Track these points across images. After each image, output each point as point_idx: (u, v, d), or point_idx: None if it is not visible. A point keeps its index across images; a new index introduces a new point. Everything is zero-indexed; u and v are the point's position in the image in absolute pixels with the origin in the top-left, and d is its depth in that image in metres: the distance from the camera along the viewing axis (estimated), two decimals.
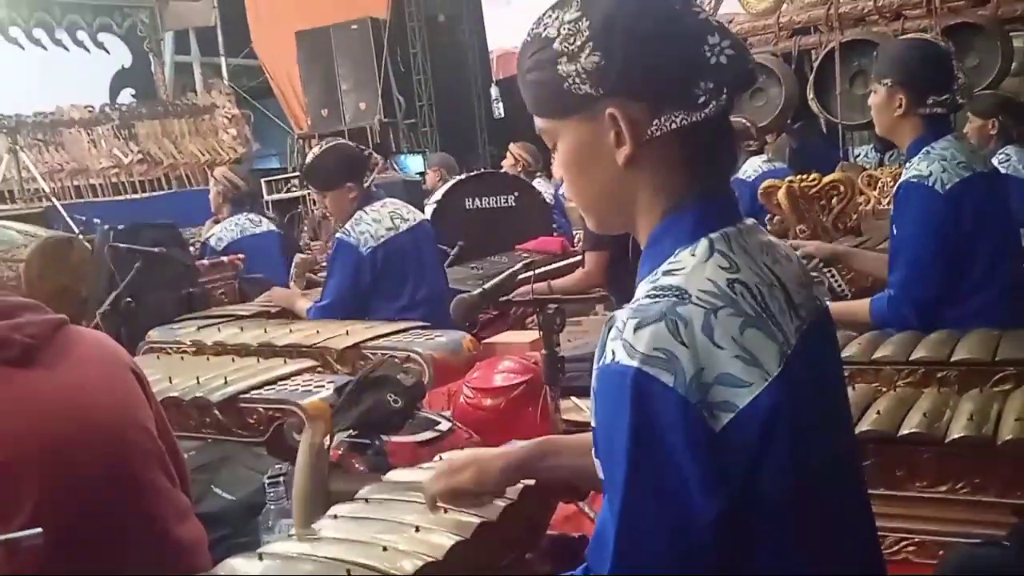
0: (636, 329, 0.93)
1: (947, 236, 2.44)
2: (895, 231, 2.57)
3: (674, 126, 0.99)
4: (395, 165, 10.57)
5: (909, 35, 5.44)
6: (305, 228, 7.43)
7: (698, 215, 1.03)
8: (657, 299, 0.95)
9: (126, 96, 9.70)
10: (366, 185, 3.51)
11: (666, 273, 0.99)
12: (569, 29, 1.00)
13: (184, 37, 11.50)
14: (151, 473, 1.59)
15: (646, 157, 1.02)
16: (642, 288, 1.01)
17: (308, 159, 3.70)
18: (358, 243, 3.40)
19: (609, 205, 1.09)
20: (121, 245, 3.47)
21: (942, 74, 2.55)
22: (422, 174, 11.68)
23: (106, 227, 3.82)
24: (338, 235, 3.50)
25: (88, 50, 9.17)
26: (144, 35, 9.31)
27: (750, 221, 1.10)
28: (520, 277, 1.97)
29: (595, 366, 0.97)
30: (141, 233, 3.72)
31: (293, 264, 4.46)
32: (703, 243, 1.01)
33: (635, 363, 0.91)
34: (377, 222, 3.46)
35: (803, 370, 0.99)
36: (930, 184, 2.43)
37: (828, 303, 2.74)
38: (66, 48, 9.09)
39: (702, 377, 0.91)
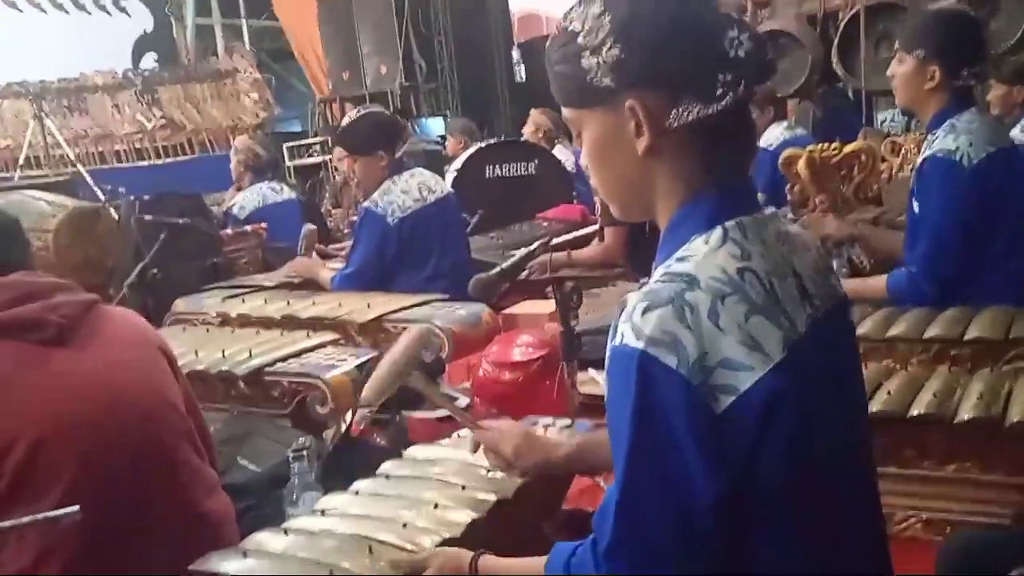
0: (644, 312, 0.97)
1: (970, 212, 2.43)
2: (916, 206, 2.55)
3: (692, 117, 1.02)
4: (415, 128, 10.57)
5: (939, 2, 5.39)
6: (327, 194, 7.45)
7: (715, 203, 1.07)
8: (667, 284, 0.99)
9: (148, 61, 9.72)
10: (397, 155, 3.52)
11: (679, 259, 1.03)
12: (593, 24, 1.04)
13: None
14: (181, 449, 1.65)
15: (665, 147, 1.05)
16: (656, 273, 1.05)
17: (344, 122, 3.73)
18: (385, 213, 3.42)
19: (630, 193, 1.14)
20: (147, 217, 3.51)
21: (977, 45, 2.55)
22: (443, 138, 11.68)
23: (131, 198, 3.88)
24: (366, 204, 3.53)
25: (110, 14, 9.18)
26: None
27: (769, 211, 1.15)
28: (538, 255, 1.99)
29: (608, 346, 1.02)
30: (166, 204, 3.78)
31: (301, 236, 4.50)
32: (717, 231, 1.04)
33: (641, 345, 0.95)
34: (405, 192, 3.48)
35: (811, 357, 1.02)
36: (957, 159, 2.42)
37: (846, 280, 2.80)
38: (88, 12, 9.10)
39: (705, 360, 0.94)
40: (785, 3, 5.85)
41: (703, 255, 1.02)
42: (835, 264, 3.18)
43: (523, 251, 1.96)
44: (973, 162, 2.41)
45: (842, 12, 5.53)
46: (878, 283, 2.61)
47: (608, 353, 1.01)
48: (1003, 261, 2.48)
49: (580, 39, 1.05)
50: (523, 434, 1.48)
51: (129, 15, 9.37)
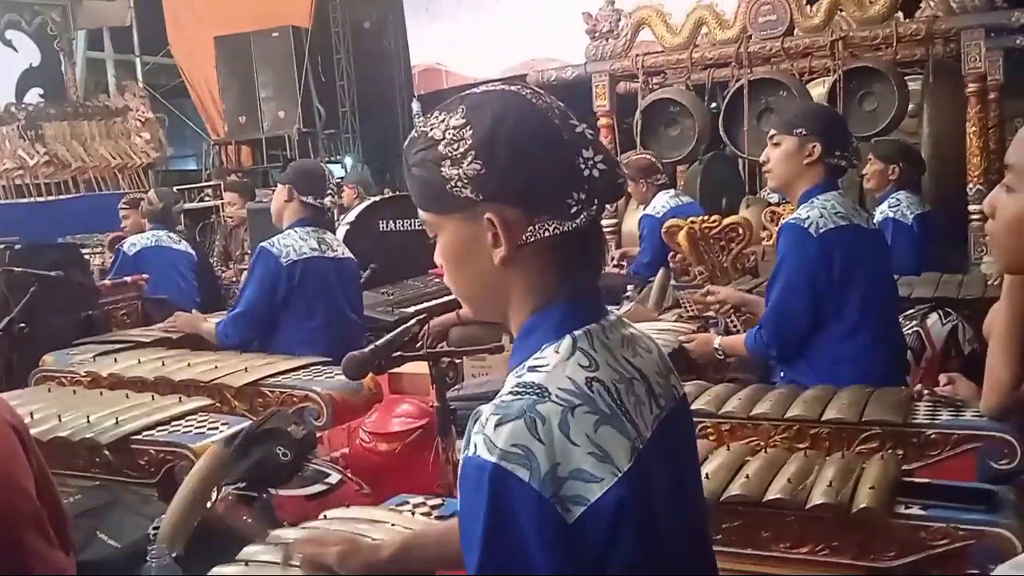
0: (497, 425, 0.97)
1: (815, 278, 2.65)
2: (775, 269, 2.77)
3: (547, 233, 1.05)
4: None
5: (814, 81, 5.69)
6: (217, 240, 7.31)
7: (564, 313, 1.10)
8: (519, 396, 1.00)
9: (33, 96, 9.36)
10: (304, 200, 3.48)
11: (531, 369, 1.05)
12: (454, 135, 1.06)
13: (98, 33, 11.21)
14: (27, 536, 1.57)
15: (520, 259, 1.07)
16: (509, 381, 1.06)
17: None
18: (280, 253, 3.38)
19: (483, 297, 1.15)
20: (16, 269, 3.37)
21: (846, 132, 2.83)
22: (340, 179, 11.62)
23: (2, 247, 3.73)
24: (262, 244, 3.49)
25: None
26: (55, 34, 9.00)
27: (614, 315, 1.17)
28: (413, 332, 2.00)
29: (461, 455, 1.03)
30: (39, 254, 3.65)
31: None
32: (567, 340, 1.07)
33: (494, 458, 0.96)
34: (303, 240, 3.45)
35: (656, 458, 1.06)
36: (805, 226, 2.65)
37: (723, 337, 2.94)
38: None
39: (557, 472, 0.96)
40: (675, 73, 6.06)
41: (553, 365, 1.04)
42: (712, 330, 3.33)
43: (398, 329, 1.96)
44: (820, 231, 2.64)
45: (729, 82, 5.77)
46: (741, 339, 2.84)
47: (460, 464, 1.01)
48: (859, 330, 2.68)
49: (441, 147, 1.06)
50: (345, 539, 1.46)
51: (16, 50, 9.03)
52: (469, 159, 1.04)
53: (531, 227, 1.05)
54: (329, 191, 3.55)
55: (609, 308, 1.19)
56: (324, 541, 1.44)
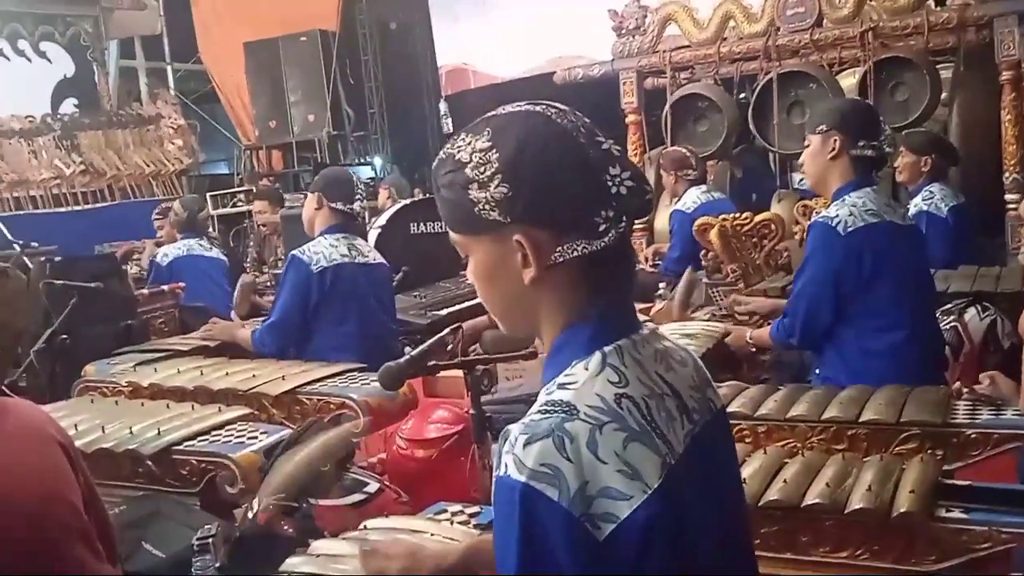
0: (526, 444, 0.99)
1: (841, 276, 2.66)
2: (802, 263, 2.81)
3: (576, 253, 1.06)
4: None
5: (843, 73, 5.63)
6: (251, 245, 7.38)
7: (595, 329, 1.10)
8: (547, 415, 1.02)
9: (68, 106, 9.51)
10: (334, 206, 3.51)
11: (560, 386, 1.06)
12: (480, 158, 1.07)
13: (130, 42, 11.36)
14: (76, 551, 1.60)
15: (550, 278, 1.08)
16: (540, 398, 1.08)
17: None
18: (310, 261, 3.42)
19: (515, 315, 1.17)
20: (56, 282, 3.43)
21: (872, 122, 2.79)
22: (371, 180, 11.69)
23: (42, 259, 3.80)
24: (293, 252, 3.53)
25: (30, 60, 8.97)
26: (87, 44, 9.11)
27: (647, 329, 1.17)
28: (448, 342, 2.01)
29: (492, 475, 1.04)
30: (78, 266, 3.71)
31: (237, 286, 4.48)
32: (596, 356, 1.08)
33: (523, 478, 0.97)
34: (333, 247, 3.49)
35: (689, 472, 1.06)
36: (833, 225, 2.67)
37: (753, 330, 2.95)
38: (7, 58, 8.89)
39: (586, 490, 0.97)
40: (703, 68, 6.02)
41: (583, 382, 1.05)
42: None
43: (433, 339, 1.98)
44: (849, 229, 2.65)
45: (758, 75, 5.73)
46: (766, 332, 2.90)
47: (494, 482, 1.03)
48: (891, 326, 2.68)
49: (468, 171, 1.08)
50: (407, 553, 1.48)
51: (50, 61, 9.18)
52: (496, 182, 1.06)
53: (560, 247, 1.06)
54: (358, 195, 3.57)
55: (642, 318, 1.19)
56: (388, 554, 1.46)
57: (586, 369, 1.06)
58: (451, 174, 1.10)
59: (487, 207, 1.07)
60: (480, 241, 1.11)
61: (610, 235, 1.06)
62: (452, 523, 1.76)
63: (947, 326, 3.19)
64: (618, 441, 1.00)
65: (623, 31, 5.97)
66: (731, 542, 1.20)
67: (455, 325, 2.03)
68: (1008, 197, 4.86)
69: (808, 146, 2.79)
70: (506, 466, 1.00)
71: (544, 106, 1.11)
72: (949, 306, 3.32)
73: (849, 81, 5.74)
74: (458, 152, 1.10)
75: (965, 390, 2.21)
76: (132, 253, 6.44)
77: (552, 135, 1.07)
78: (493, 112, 1.12)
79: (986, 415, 2.06)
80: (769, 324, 3.35)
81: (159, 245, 5.65)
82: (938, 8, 5.31)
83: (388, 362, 1.94)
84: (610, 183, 1.06)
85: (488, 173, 1.06)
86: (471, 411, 2.05)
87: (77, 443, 1.99)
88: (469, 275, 1.17)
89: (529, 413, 1.05)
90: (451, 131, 11.64)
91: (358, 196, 3.58)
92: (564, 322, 1.11)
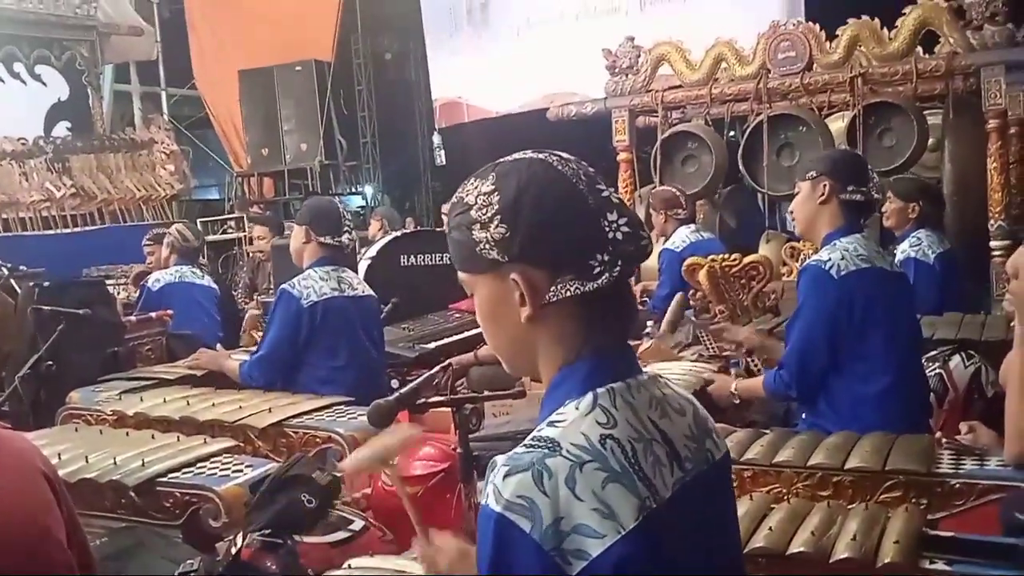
0: (505, 476, 1.02)
1: (836, 320, 2.68)
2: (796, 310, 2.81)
3: (569, 293, 1.10)
4: None
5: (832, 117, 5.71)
6: (243, 272, 7.38)
7: (589, 370, 1.13)
8: (531, 449, 1.05)
9: (61, 129, 9.49)
10: (322, 240, 3.52)
11: (550, 424, 1.09)
12: (484, 200, 1.13)
13: (125, 66, 11.39)
14: None
15: (545, 317, 1.12)
16: (530, 435, 1.09)
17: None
18: (300, 295, 3.42)
19: (515, 352, 1.20)
20: (44, 307, 3.43)
21: (861, 168, 2.86)
22: (362, 208, 11.71)
23: (31, 283, 3.79)
24: (283, 285, 3.53)
25: (24, 82, 8.98)
26: (83, 68, 9.12)
27: (646, 375, 1.19)
28: (437, 380, 2.01)
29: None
30: (66, 291, 3.70)
31: (244, 319, 4.47)
32: (588, 397, 1.10)
33: (499, 508, 1.01)
34: (323, 280, 3.49)
35: (674, 519, 1.08)
36: (826, 268, 2.69)
37: (741, 380, 2.96)
38: (2, 80, 8.89)
39: (560, 526, 1.00)
40: (694, 108, 6.09)
41: (571, 421, 1.08)
42: (732, 370, 3.34)
43: (423, 376, 1.98)
44: (842, 273, 2.67)
45: (749, 116, 5.80)
46: (759, 381, 2.87)
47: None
48: (880, 371, 2.69)
49: (472, 212, 1.13)
50: (458, 552, 1.47)
51: (45, 84, 9.19)
52: (496, 223, 1.11)
53: (554, 287, 1.10)
54: (346, 227, 3.57)
55: (644, 370, 1.20)
56: (440, 549, 1.48)
57: (576, 408, 1.09)
58: (459, 216, 1.16)
59: (487, 246, 1.12)
60: (483, 280, 1.16)
61: (604, 278, 1.09)
62: None
63: (932, 373, 3.21)
64: (597, 480, 1.03)
65: (617, 70, 6.05)
66: None
67: (445, 363, 2.04)
68: (993, 244, 4.92)
69: (798, 193, 2.83)
70: (487, 496, 1.03)
71: (547, 154, 1.16)
72: (934, 353, 3.35)
73: (838, 125, 5.82)
74: (466, 196, 1.16)
75: (945, 440, 2.22)
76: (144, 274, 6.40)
77: (551, 180, 1.12)
78: (502, 159, 1.17)
79: (970, 465, 2.07)
80: (755, 362, 3.39)
81: (149, 271, 5.64)
82: (926, 56, 5.40)
83: (377, 399, 1.94)
84: (607, 228, 1.11)
85: (489, 214, 1.12)
86: (459, 449, 2.05)
87: (60, 472, 1.98)
88: (477, 313, 1.21)
89: (517, 447, 1.07)
90: (443, 163, 11.73)
91: (346, 228, 3.58)
92: (561, 362, 1.15)
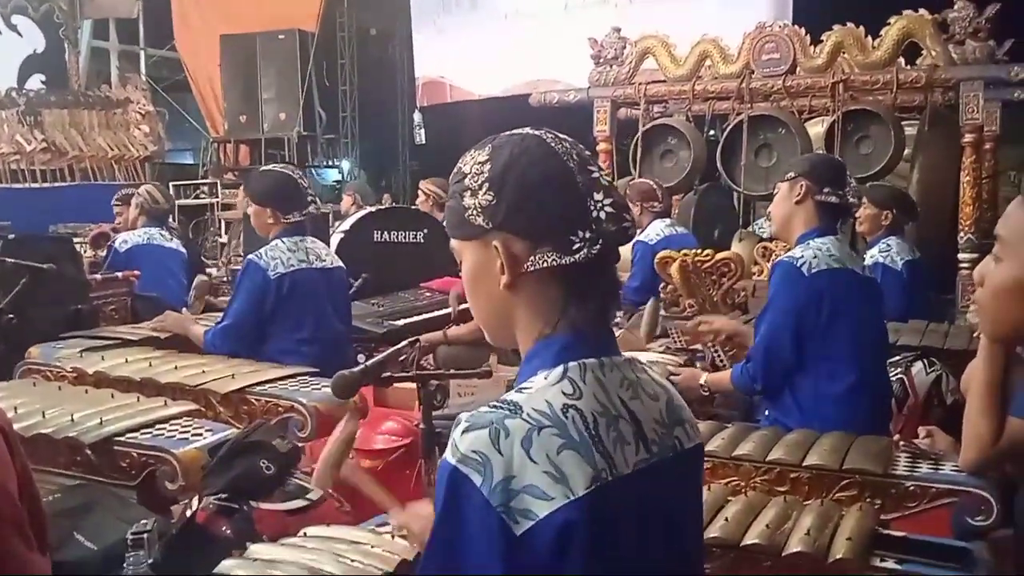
0: (464, 431, 1.06)
1: (804, 316, 2.71)
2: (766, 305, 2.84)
3: (546, 265, 1.13)
4: (313, 174, 10.49)
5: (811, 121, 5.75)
6: (214, 237, 7.31)
7: (564, 344, 1.15)
8: (493, 409, 1.08)
9: (35, 82, 9.35)
10: (288, 219, 3.47)
11: (517, 390, 1.12)
12: (477, 169, 1.17)
13: (104, 23, 11.20)
14: (7, 540, 1.57)
15: (523, 287, 1.16)
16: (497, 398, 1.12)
17: (258, 170, 3.72)
18: (267, 267, 3.37)
19: (495, 320, 1.22)
20: (8, 260, 3.36)
21: (839, 172, 2.88)
22: (338, 183, 11.63)
23: None
24: (250, 256, 3.48)
25: (0, 32, 8.84)
26: (61, 21, 9.00)
27: (623, 358, 1.20)
28: (404, 355, 2.01)
29: None
30: (32, 245, 3.64)
31: (193, 286, 4.43)
32: (559, 369, 1.13)
33: (454, 461, 1.04)
34: (291, 252, 3.43)
35: (629, 497, 1.10)
36: (797, 265, 2.72)
37: (709, 374, 2.98)
38: None
39: (510, 484, 1.03)
40: (676, 103, 6.11)
41: (536, 389, 1.11)
42: (699, 364, 3.36)
43: (390, 350, 1.97)
44: (813, 271, 2.70)
45: (730, 115, 5.83)
46: (727, 374, 2.90)
47: None
48: (844, 372, 2.73)
49: (466, 180, 1.17)
50: (431, 516, 1.48)
51: (20, 35, 9.03)
52: (484, 190, 1.15)
53: (533, 257, 1.13)
54: (310, 199, 3.51)
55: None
56: (413, 514, 1.50)
57: (545, 379, 1.12)
58: (456, 184, 1.20)
59: (475, 213, 1.16)
60: (469, 246, 1.19)
61: (583, 253, 1.12)
62: (393, 536, 1.75)
63: (894, 378, 3.25)
64: (553, 445, 1.05)
65: (601, 60, 6.04)
66: None
67: (412, 338, 2.03)
68: (961, 256, 4.99)
69: (776, 194, 2.86)
70: (448, 448, 1.06)
71: (544, 131, 1.19)
72: (897, 358, 3.39)
73: (817, 129, 5.87)
74: (464, 165, 1.20)
75: (903, 442, 2.26)
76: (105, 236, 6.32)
77: (543, 155, 1.15)
78: (500, 134, 1.20)
79: (925, 468, 2.10)
80: (727, 348, 3.41)
81: (117, 231, 5.57)
82: (908, 67, 5.45)
83: (342, 370, 1.92)
84: (592, 207, 1.13)
85: (479, 182, 1.16)
86: (421, 425, 2.04)
87: (16, 426, 1.94)
88: (463, 280, 1.24)
89: (481, 407, 1.10)
90: (423, 142, 11.66)
91: (310, 199, 3.53)
92: (537, 333, 1.17)
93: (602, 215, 1.13)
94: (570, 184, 1.13)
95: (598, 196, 1.14)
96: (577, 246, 1.12)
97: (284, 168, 3.63)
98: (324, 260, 3.56)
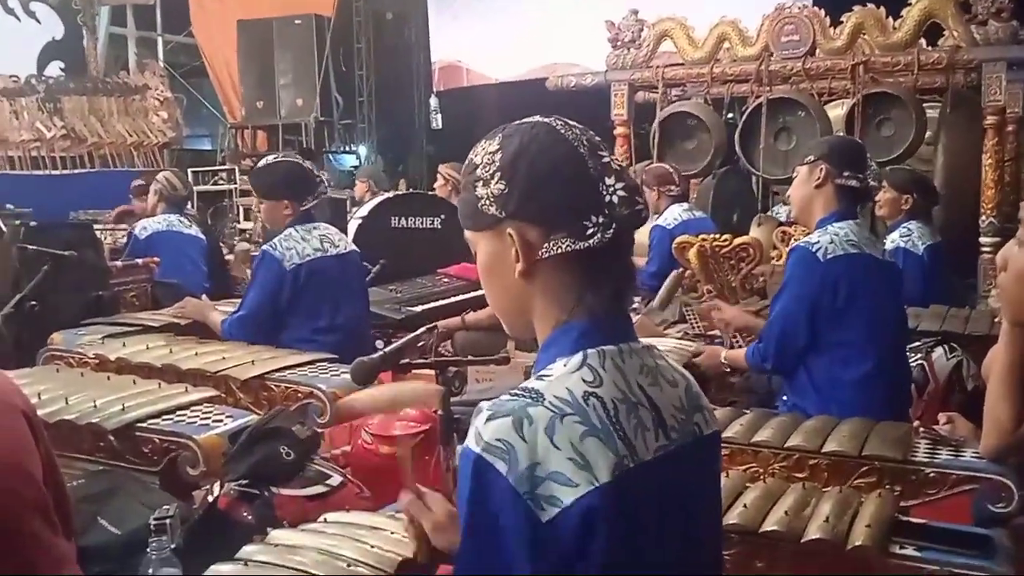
0: (487, 420, 1.06)
1: (818, 301, 2.71)
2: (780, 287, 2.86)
3: (560, 251, 1.13)
4: (331, 160, 10.51)
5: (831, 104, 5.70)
6: (229, 220, 7.34)
7: (582, 330, 1.15)
8: (515, 398, 1.09)
9: (54, 69, 9.40)
10: (304, 207, 3.49)
11: (538, 378, 1.13)
12: (488, 159, 1.17)
13: (121, 9, 11.24)
14: (32, 524, 1.58)
15: (539, 274, 1.16)
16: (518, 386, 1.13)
17: (259, 164, 3.69)
18: (283, 257, 3.38)
19: (512, 310, 1.23)
20: (30, 247, 3.39)
21: (859, 155, 2.86)
22: (355, 168, 11.64)
23: (17, 222, 3.75)
24: (264, 247, 3.50)
25: (19, 19, 8.87)
26: (78, 8, 9.02)
27: (643, 344, 1.21)
28: (423, 341, 2.01)
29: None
30: (53, 233, 3.67)
31: (233, 252, 4.43)
32: (578, 356, 1.13)
33: (478, 449, 1.05)
34: (305, 241, 3.45)
35: (651, 484, 1.10)
36: (813, 250, 2.72)
37: (728, 351, 2.99)
38: None
39: (535, 471, 1.03)
40: (695, 86, 6.06)
41: (557, 376, 1.11)
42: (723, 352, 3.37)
43: (408, 336, 1.98)
44: (828, 256, 2.70)
45: (749, 99, 5.78)
46: (742, 354, 2.93)
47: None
48: (862, 358, 2.72)
49: (478, 171, 1.18)
50: (447, 512, 1.47)
51: (39, 21, 9.07)
52: (496, 179, 1.16)
53: (547, 243, 1.14)
54: (319, 182, 3.51)
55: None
56: (431, 505, 1.43)
57: (565, 366, 1.13)
58: (469, 175, 1.20)
59: (487, 202, 1.16)
60: (484, 236, 1.20)
61: (596, 238, 1.12)
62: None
63: (914, 363, 3.24)
64: (576, 432, 1.06)
65: (619, 43, 6.00)
66: (692, 566, 1.21)
67: (431, 325, 2.03)
68: (983, 240, 4.94)
69: (796, 177, 2.84)
70: (469, 437, 1.07)
71: (554, 118, 1.20)
72: (917, 344, 3.37)
73: (837, 112, 5.81)
74: (475, 156, 1.20)
75: (923, 428, 2.24)
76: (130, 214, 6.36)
77: (553, 141, 1.16)
78: (510, 123, 1.21)
79: (945, 455, 2.09)
80: (738, 340, 3.41)
81: (132, 211, 5.61)
82: (929, 48, 5.38)
83: (361, 356, 1.93)
84: (604, 191, 1.14)
85: (491, 171, 1.16)
86: (440, 412, 2.05)
87: (40, 412, 1.97)
88: (479, 271, 1.24)
89: (502, 395, 1.11)
90: (440, 127, 11.63)
91: (319, 182, 3.53)
92: (555, 321, 1.17)
93: (615, 199, 1.13)
94: (581, 169, 1.14)
95: (610, 180, 1.14)
96: (591, 231, 1.12)
97: (286, 156, 3.64)
98: (338, 246, 3.57)
